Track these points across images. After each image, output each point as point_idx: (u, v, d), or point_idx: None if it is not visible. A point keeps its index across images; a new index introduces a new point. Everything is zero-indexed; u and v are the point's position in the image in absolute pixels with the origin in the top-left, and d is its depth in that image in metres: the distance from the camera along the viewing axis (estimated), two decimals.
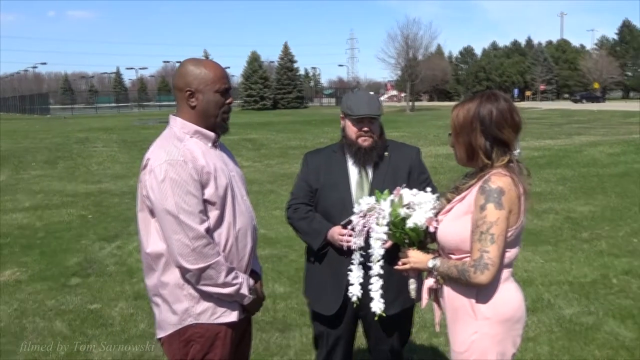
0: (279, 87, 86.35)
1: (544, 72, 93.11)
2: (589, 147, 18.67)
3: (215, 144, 2.62)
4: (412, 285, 2.57)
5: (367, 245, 2.63)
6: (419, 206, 2.41)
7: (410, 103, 67.87)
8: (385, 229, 2.44)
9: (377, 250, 2.46)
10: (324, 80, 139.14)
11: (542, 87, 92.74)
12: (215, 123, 2.59)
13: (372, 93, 3.43)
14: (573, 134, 27.39)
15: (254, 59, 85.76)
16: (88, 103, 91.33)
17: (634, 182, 12.29)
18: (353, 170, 3.20)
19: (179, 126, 2.55)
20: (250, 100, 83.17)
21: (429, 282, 2.50)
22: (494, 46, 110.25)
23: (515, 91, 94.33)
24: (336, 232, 3.05)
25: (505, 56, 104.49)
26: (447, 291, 2.44)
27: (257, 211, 11.44)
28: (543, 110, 54.80)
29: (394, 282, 2.84)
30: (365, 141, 3.13)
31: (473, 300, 2.35)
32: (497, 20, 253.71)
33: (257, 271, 2.76)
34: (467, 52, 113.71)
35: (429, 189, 2.53)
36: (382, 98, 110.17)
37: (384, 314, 2.58)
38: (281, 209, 10.74)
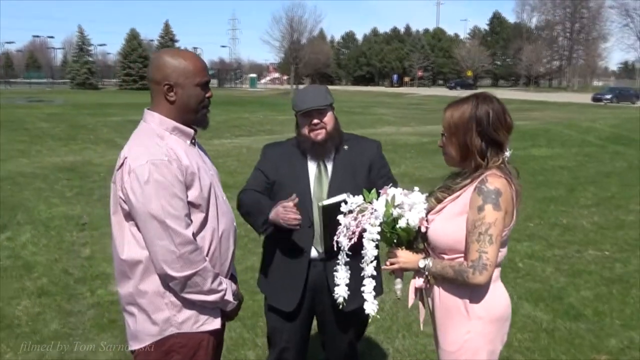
0: None
1: (421, 59, 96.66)
2: None
3: (194, 141, 2.43)
4: (399, 285, 2.54)
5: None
6: (411, 206, 2.37)
7: (295, 86, 68.14)
8: (379, 229, 2.38)
9: (371, 251, 2.40)
10: (206, 61, 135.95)
11: (419, 73, 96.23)
12: (195, 118, 2.41)
13: (319, 85, 3.35)
14: None
15: (133, 37, 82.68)
16: None
17: (521, 169, 12.96)
18: (312, 165, 3.12)
19: (157, 122, 2.34)
20: (129, 80, 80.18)
21: (418, 282, 2.48)
22: (375, 32, 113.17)
23: (395, 77, 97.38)
24: (280, 207, 2.82)
25: (385, 42, 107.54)
26: (439, 291, 2.43)
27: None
28: (422, 96, 56.97)
29: (355, 277, 2.78)
30: (318, 135, 3.04)
31: (467, 300, 2.36)
32: (378, 6, 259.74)
33: (233, 274, 2.61)
34: (349, 37, 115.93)
35: (416, 188, 2.49)
36: (263, 81, 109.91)
37: (378, 316, 2.53)
38: None
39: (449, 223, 2.35)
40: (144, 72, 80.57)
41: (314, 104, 3.02)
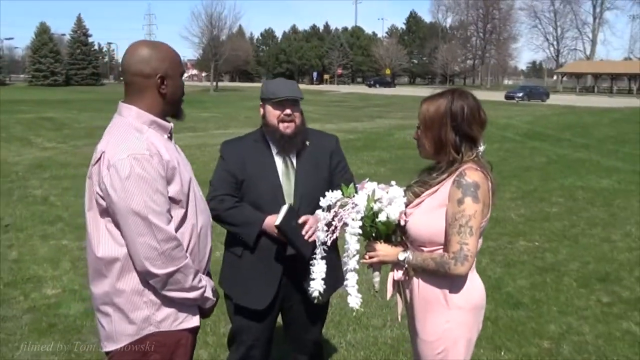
0: (72, 62, 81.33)
1: (341, 57, 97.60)
2: (398, 131, 19.98)
3: (170, 136, 2.36)
4: (377, 277, 2.57)
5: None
6: (391, 200, 2.39)
7: (214, 83, 67.40)
8: (360, 223, 2.40)
9: (353, 245, 2.42)
10: (121, 57, 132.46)
11: (339, 71, 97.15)
12: (178, 109, 2.37)
13: (289, 79, 3.36)
14: (375, 116, 29.12)
15: (43, 31, 79.54)
16: None
17: None
18: (278, 160, 3.11)
19: (134, 115, 2.25)
20: (39, 76, 77.28)
21: (397, 274, 2.51)
22: (294, 30, 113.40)
23: (315, 74, 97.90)
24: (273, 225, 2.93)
25: (305, 40, 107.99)
26: (418, 283, 2.47)
27: (82, 197, 10.61)
28: (342, 94, 57.54)
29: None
30: (287, 128, 3.03)
31: (446, 291, 2.41)
32: (297, 4, 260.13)
33: (209, 271, 2.56)
34: (268, 34, 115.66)
35: (393, 182, 2.52)
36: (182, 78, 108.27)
37: (361, 309, 2.54)
38: None
39: (428, 216, 2.39)
40: (55, 68, 77.90)
41: (290, 93, 3.02)
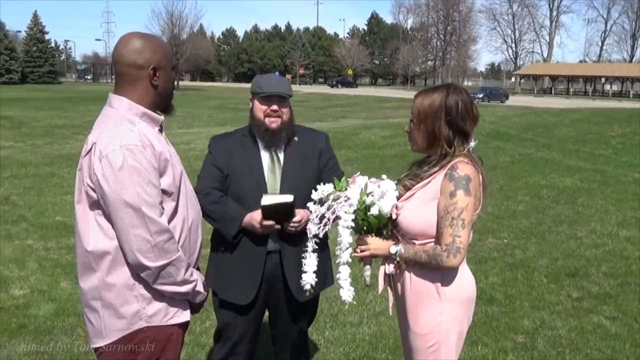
0: (28, 60, 79.45)
1: (302, 57, 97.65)
2: (363, 130, 20.00)
3: (161, 129, 2.32)
4: (367, 271, 2.57)
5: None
6: (383, 194, 2.39)
7: (175, 82, 66.79)
8: (353, 216, 2.39)
9: (346, 238, 2.41)
10: (79, 55, 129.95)
11: (301, 71, 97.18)
12: (169, 103, 2.34)
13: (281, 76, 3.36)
14: (338, 117, 29.19)
15: None
16: None
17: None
18: (264, 155, 3.10)
19: (125, 107, 2.20)
20: None
21: (389, 268, 2.51)
22: (256, 29, 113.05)
23: (276, 74, 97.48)
24: (255, 219, 2.90)
25: (266, 40, 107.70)
26: (410, 276, 2.47)
27: (45, 197, 10.25)
28: (305, 94, 57.50)
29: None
30: (273, 122, 3.05)
31: (438, 284, 2.42)
32: (259, 4, 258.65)
33: (198, 266, 2.52)
34: (230, 33, 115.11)
35: (384, 176, 2.52)
36: None
37: (354, 302, 2.52)
38: (71, 193, 9.96)
39: (420, 209, 2.40)
40: (10, 65, 76.04)
41: (279, 89, 3.04)
